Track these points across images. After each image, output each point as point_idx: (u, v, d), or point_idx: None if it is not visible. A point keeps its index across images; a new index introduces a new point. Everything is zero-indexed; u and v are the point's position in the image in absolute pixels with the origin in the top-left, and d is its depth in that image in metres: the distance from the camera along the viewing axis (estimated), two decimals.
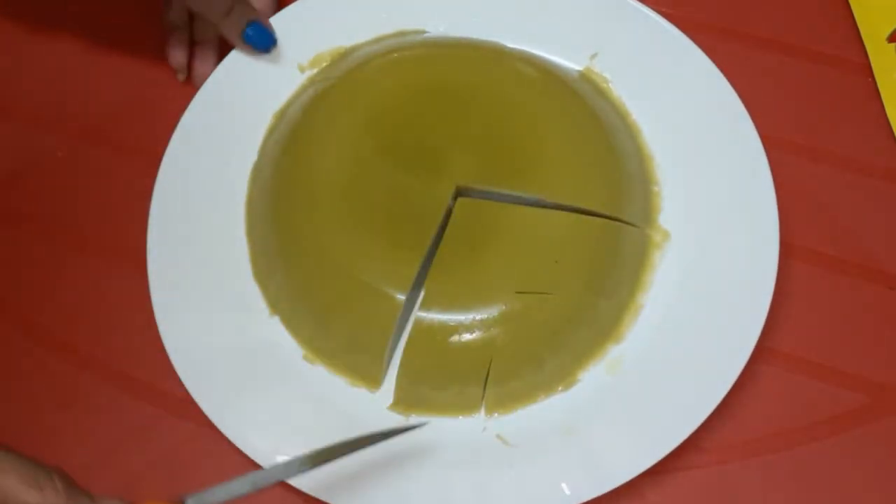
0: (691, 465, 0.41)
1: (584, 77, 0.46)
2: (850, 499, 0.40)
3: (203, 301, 0.43)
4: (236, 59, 0.47)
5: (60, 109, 0.50)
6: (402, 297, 0.40)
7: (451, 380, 0.40)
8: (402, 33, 0.47)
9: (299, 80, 0.47)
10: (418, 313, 0.40)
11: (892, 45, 0.48)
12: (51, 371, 0.44)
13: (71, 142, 0.49)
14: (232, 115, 0.46)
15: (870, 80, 0.48)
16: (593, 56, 0.46)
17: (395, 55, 0.46)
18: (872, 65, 0.48)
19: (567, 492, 0.37)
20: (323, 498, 0.38)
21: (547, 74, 0.45)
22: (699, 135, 0.44)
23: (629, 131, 0.45)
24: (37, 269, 0.46)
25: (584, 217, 0.41)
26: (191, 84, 0.49)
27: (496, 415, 0.40)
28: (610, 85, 0.46)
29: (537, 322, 0.40)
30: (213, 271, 0.43)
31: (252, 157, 0.46)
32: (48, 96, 0.50)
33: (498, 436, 0.40)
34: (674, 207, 0.43)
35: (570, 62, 0.46)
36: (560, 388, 0.40)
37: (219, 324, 0.42)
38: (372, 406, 0.41)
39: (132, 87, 0.50)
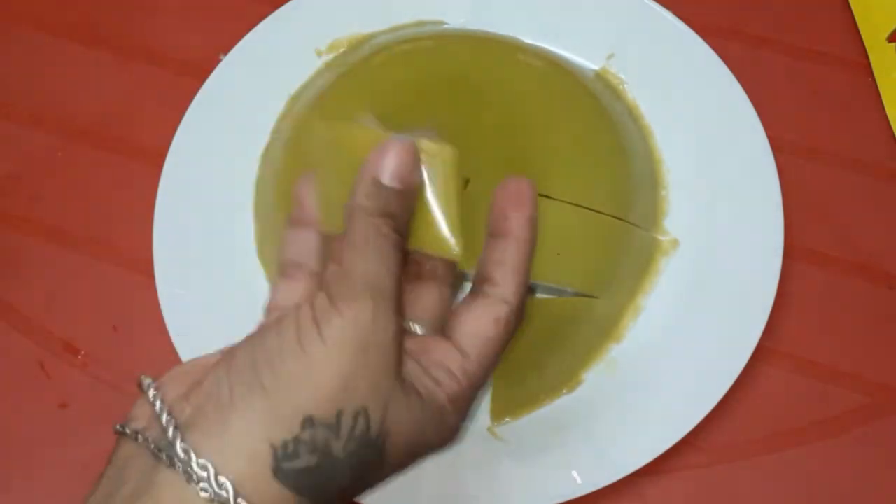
0: (691, 465, 0.41)
1: (600, 77, 0.46)
2: (849, 499, 0.40)
3: (207, 280, 0.43)
4: (253, 41, 0.47)
5: (60, 109, 0.50)
6: None
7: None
8: (420, 23, 0.48)
9: (316, 64, 0.47)
10: None
11: (892, 45, 0.48)
12: (51, 370, 0.44)
13: (71, 142, 0.49)
14: (246, 96, 0.47)
15: (870, 80, 0.48)
16: (610, 56, 0.46)
17: (411, 45, 0.46)
18: (872, 65, 0.48)
19: (563, 485, 0.37)
20: None
21: (562, 72, 0.45)
22: (710, 140, 0.44)
23: (641, 134, 0.45)
24: (37, 269, 0.46)
25: (590, 213, 0.41)
26: (189, 79, 0.49)
27: (507, 420, 0.40)
28: (624, 87, 0.46)
29: (537, 325, 0.40)
30: (219, 250, 0.44)
31: (264, 139, 0.46)
32: (48, 96, 0.50)
33: (489, 429, 0.40)
34: (680, 211, 0.43)
35: (587, 61, 0.46)
36: (564, 391, 0.40)
37: (221, 303, 0.43)
38: None
39: (132, 88, 0.50)
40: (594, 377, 0.41)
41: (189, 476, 0.26)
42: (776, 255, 0.40)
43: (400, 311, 0.29)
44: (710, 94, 0.44)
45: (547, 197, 0.41)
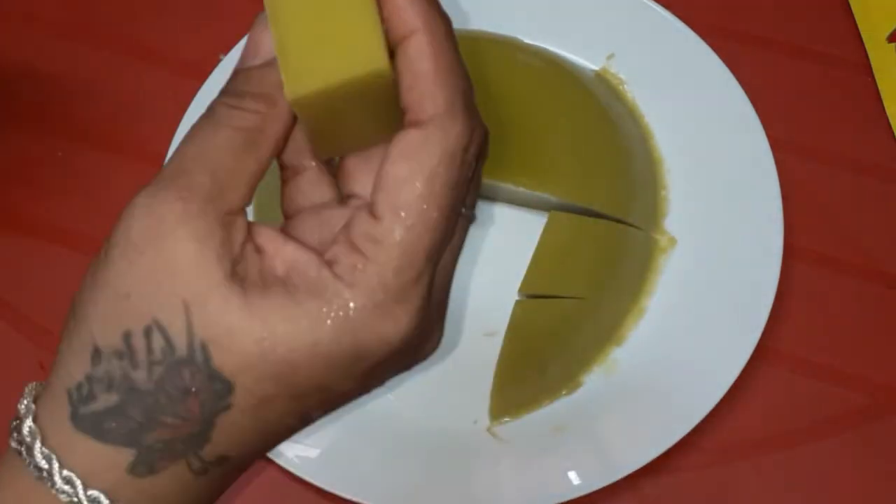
0: (691, 465, 0.41)
1: (600, 77, 0.46)
2: (850, 499, 0.40)
3: None
4: None
5: (60, 109, 0.50)
6: None
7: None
8: None
9: None
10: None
11: (892, 45, 0.48)
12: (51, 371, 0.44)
13: (71, 142, 0.49)
14: None
15: (870, 80, 0.48)
16: (610, 56, 0.46)
17: None
18: (872, 65, 0.48)
19: (562, 485, 0.38)
20: (322, 485, 0.38)
21: (561, 72, 0.45)
22: (710, 140, 0.44)
23: (641, 134, 0.45)
24: (37, 270, 0.46)
25: (589, 219, 0.41)
26: (189, 79, 0.49)
27: (506, 419, 0.40)
28: (625, 87, 0.46)
29: (540, 326, 0.40)
30: None
31: None
32: (48, 96, 0.50)
33: (489, 430, 0.40)
34: (680, 211, 0.43)
35: (587, 61, 0.46)
36: (564, 393, 0.40)
37: None
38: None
39: (132, 87, 0.50)
40: (594, 377, 0.41)
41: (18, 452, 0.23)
42: (776, 255, 0.40)
43: (221, 188, 0.22)
44: (710, 94, 0.44)
45: (547, 197, 0.41)
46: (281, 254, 0.23)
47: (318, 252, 0.23)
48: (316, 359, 0.22)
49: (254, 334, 0.21)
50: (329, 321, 0.21)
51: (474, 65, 0.44)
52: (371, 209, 0.22)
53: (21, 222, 0.47)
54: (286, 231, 0.24)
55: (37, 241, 0.47)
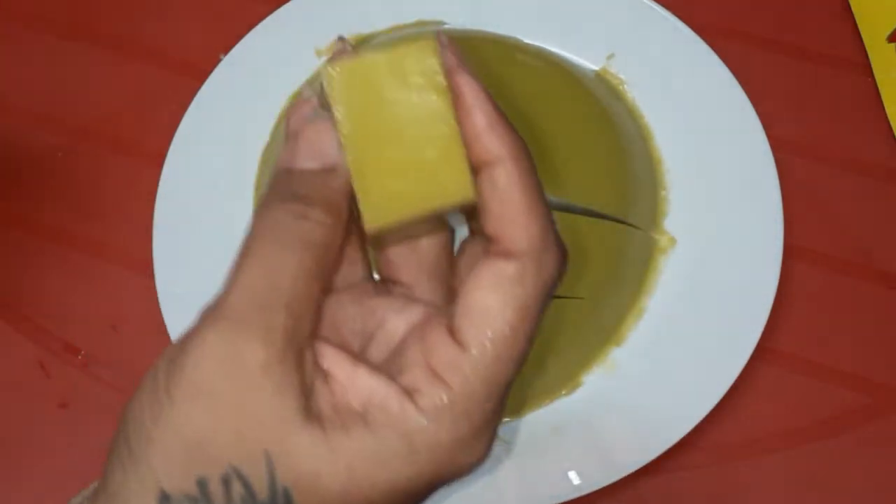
0: (691, 465, 0.41)
1: (600, 77, 0.46)
2: (850, 499, 0.40)
3: (206, 280, 0.42)
4: (253, 41, 0.47)
5: (60, 109, 0.50)
6: None
7: None
8: (420, 23, 0.48)
9: (316, 64, 0.47)
10: None
11: (892, 45, 0.48)
12: (51, 370, 0.44)
13: (71, 142, 0.49)
14: (246, 96, 0.47)
15: (870, 80, 0.48)
16: (610, 56, 0.46)
17: None
18: (872, 65, 0.48)
19: (562, 485, 0.37)
20: None
21: (561, 72, 0.45)
22: (710, 140, 0.44)
23: (641, 134, 0.45)
24: (37, 269, 0.46)
25: (589, 219, 0.41)
26: (189, 79, 0.49)
27: (506, 420, 0.40)
28: (625, 87, 0.46)
29: (540, 326, 0.40)
30: (219, 250, 0.43)
31: (264, 139, 0.46)
32: (48, 96, 0.50)
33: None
34: (681, 211, 0.43)
35: (587, 61, 0.46)
36: (564, 393, 0.40)
37: None
38: None
39: (132, 87, 0.50)
40: (594, 377, 0.41)
41: None
42: (776, 255, 0.40)
43: (297, 322, 0.22)
44: (710, 94, 0.44)
45: (547, 197, 0.41)
46: (354, 384, 0.22)
47: (391, 376, 0.23)
48: (396, 492, 0.22)
49: (339, 477, 0.21)
50: (414, 458, 0.22)
51: (474, 65, 0.45)
52: (454, 334, 0.22)
53: (21, 222, 0.47)
54: (345, 346, 0.24)
55: (37, 241, 0.47)
